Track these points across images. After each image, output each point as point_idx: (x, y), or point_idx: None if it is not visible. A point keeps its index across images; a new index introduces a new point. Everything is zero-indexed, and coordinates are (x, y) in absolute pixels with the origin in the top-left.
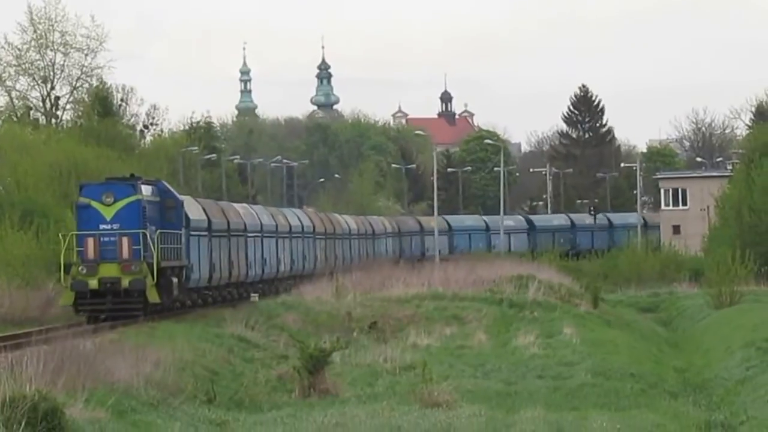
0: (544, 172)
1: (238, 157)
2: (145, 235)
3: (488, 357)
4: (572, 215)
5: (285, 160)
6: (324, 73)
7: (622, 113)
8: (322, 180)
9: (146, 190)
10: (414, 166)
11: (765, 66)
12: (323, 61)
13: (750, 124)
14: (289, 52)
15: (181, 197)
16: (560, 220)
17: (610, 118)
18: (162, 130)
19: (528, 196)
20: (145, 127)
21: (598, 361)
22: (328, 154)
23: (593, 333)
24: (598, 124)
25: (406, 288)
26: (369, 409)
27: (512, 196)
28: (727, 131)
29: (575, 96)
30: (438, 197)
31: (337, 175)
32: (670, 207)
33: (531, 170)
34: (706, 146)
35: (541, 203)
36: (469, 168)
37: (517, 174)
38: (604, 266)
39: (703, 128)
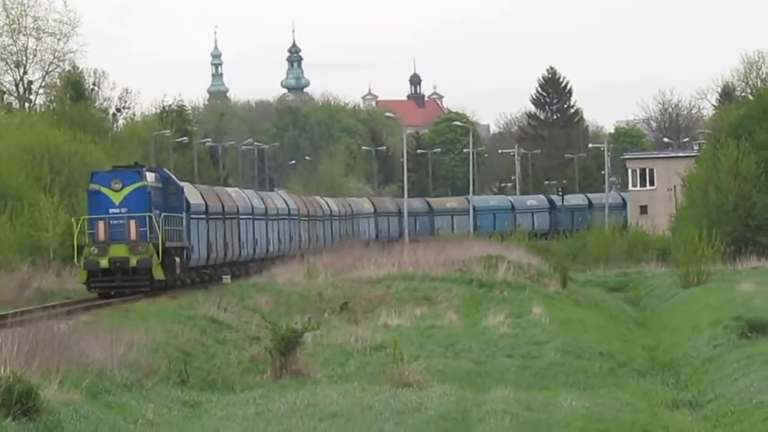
0: (512, 153)
1: (209, 140)
2: (150, 218)
3: (458, 337)
4: (590, 195)
5: (256, 143)
6: (294, 57)
7: (590, 95)
8: (292, 162)
9: (150, 176)
10: (384, 148)
11: (731, 47)
12: (294, 44)
13: (716, 104)
14: (259, 36)
15: (182, 183)
16: (578, 199)
17: (577, 100)
18: (134, 114)
19: (497, 178)
20: (118, 110)
21: (567, 340)
22: (298, 136)
23: (562, 312)
24: (565, 106)
25: (377, 269)
26: (340, 390)
27: (481, 177)
28: (693, 112)
29: (543, 78)
30: (408, 179)
31: (307, 157)
32: (638, 187)
33: (500, 151)
34: (672, 127)
35: (509, 184)
36: (439, 149)
37: (486, 155)
38: (572, 246)
39: (670, 109)
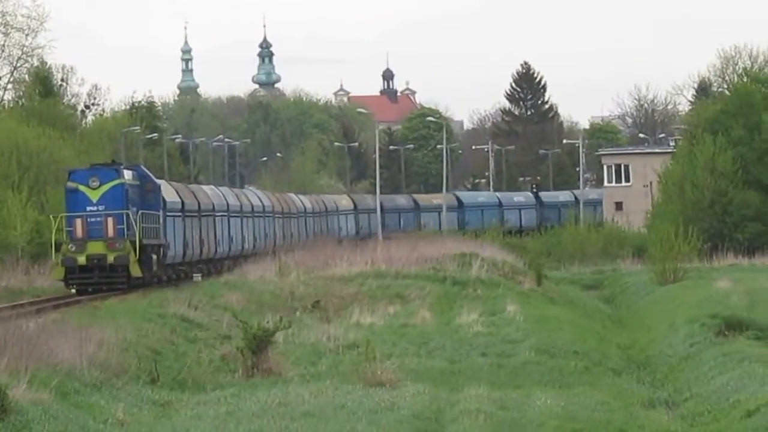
0: (486, 150)
1: (179, 136)
2: (128, 215)
3: (432, 335)
4: (575, 191)
5: (227, 139)
6: (266, 52)
7: (565, 90)
8: (264, 159)
9: (128, 174)
10: (356, 144)
11: (707, 42)
12: (265, 39)
13: (692, 100)
14: (230, 31)
15: (158, 181)
16: (566, 196)
17: (552, 95)
18: (103, 110)
19: (470, 174)
20: (87, 107)
21: (541, 338)
22: (269, 132)
23: (537, 310)
24: (540, 101)
25: (350, 266)
26: (312, 389)
27: (455, 174)
28: (669, 107)
29: (517, 73)
30: (380, 175)
31: (279, 154)
32: (613, 183)
33: (474, 147)
34: (648, 122)
35: (483, 181)
36: (412, 146)
37: (460, 152)
38: (547, 243)
39: (646, 104)
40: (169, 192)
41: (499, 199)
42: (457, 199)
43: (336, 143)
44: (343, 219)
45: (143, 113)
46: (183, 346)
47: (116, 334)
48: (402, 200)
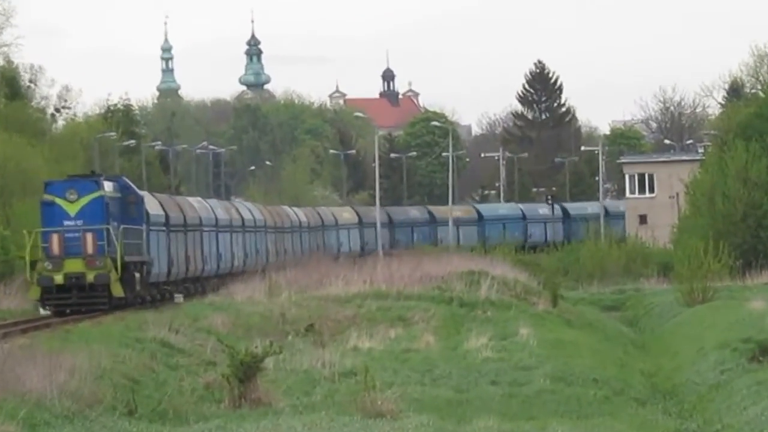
0: (496, 157)
1: (159, 143)
2: (108, 230)
3: (437, 361)
4: (604, 203)
5: (211, 146)
6: (254, 50)
7: (583, 92)
8: (252, 168)
9: (108, 186)
10: (353, 151)
11: (739, 38)
12: (253, 36)
13: (723, 102)
14: (215, 27)
15: (141, 193)
16: (594, 207)
17: (569, 98)
18: (75, 114)
19: (479, 184)
20: (57, 110)
21: (557, 365)
22: (258, 139)
23: (552, 334)
24: (555, 104)
25: (346, 286)
26: (306, 420)
27: (462, 184)
28: (697, 110)
29: (530, 73)
30: (380, 186)
31: (268, 162)
32: (636, 194)
33: (482, 155)
34: (674, 127)
35: (493, 192)
36: (414, 153)
37: (467, 159)
38: (563, 260)
39: (672, 107)
40: (152, 204)
41: (522, 211)
42: (477, 211)
43: (331, 150)
44: (344, 234)
45: (119, 117)
46: (163, 374)
47: (90, 361)
48: (415, 213)
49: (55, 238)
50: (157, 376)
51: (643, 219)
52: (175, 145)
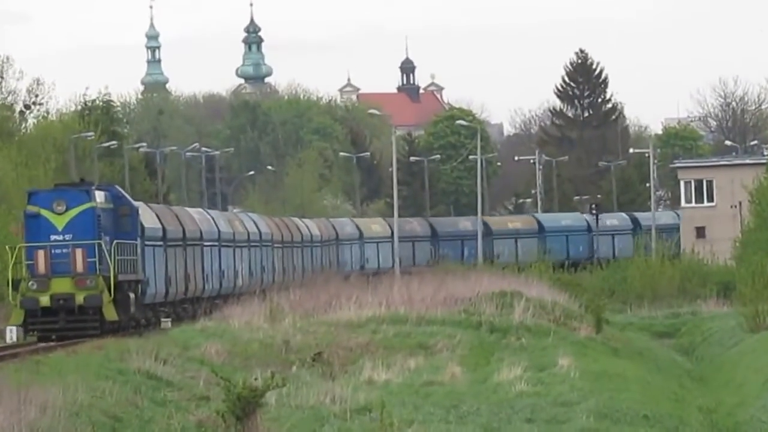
0: (532, 161)
1: (144, 144)
2: (100, 246)
3: (463, 396)
4: (677, 211)
5: (204, 148)
6: (253, 38)
7: (631, 86)
8: (251, 173)
9: (99, 196)
10: (368, 154)
11: None
12: (252, 22)
13: None
14: (208, 12)
15: (136, 204)
16: (668, 218)
17: (615, 92)
18: (48, 112)
19: (513, 192)
20: (27, 107)
21: (602, 400)
22: (258, 140)
23: (596, 364)
24: (600, 100)
25: (359, 309)
26: None
27: (492, 192)
28: (763, 106)
29: (571, 64)
30: (398, 194)
31: (270, 167)
32: (693, 204)
33: (516, 158)
34: (737, 126)
35: (529, 200)
36: (438, 156)
37: (499, 164)
38: (609, 280)
39: (734, 103)
40: (148, 216)
41: (588, 222)
42: (538, 222)
43: (342, 153)
44: (372, 248)
45: (98, 115)
46: (149, 410)
47: (64, 396)
48: (467, 224)
49: (41, 254)
50: (141, 412)
51: (700, 232)
52: (162, 146)
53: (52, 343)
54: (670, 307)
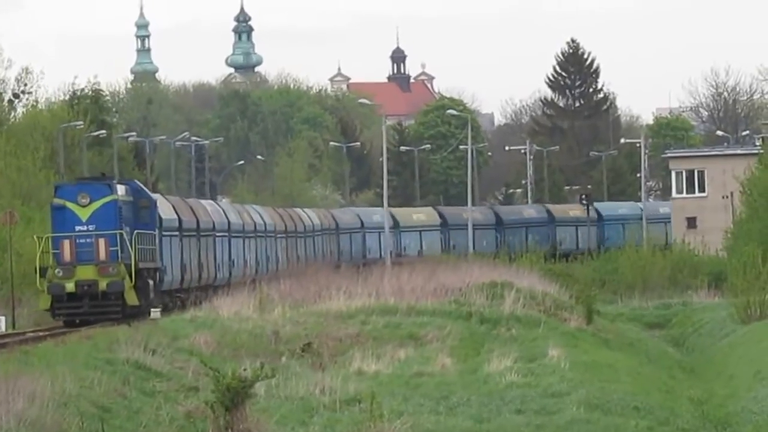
0: (523, 151)
1: (133, 134)
2: (122, 235)
3: (453, 387)
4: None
5: (193, 138)
6: (243, 27)
7: (623, 76)
8: (240, 163)
9: (121, 190)
10: (357, 144)
11: None
12: (242, 10)
13: None
14: (198, 1)
15: (154, 196)
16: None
17: (607, 82)
18: (36, 101)
19: (503, 182)
20: (15, 96)
21: (593, 391)
22: (248, 129)
23: (587, 355)
24: (591, 90)
25: (349, 300)
26: None
27: (483, 182)
28: (755, 96)
29: (562, 54)
30: (388, 183)
31: (259, 157)
32: (684, 194)
33: (507, 148)
34: (728, 116)
35: (519, 190)
36: (428, 146)
37: (489, 153)
38: (599, 270)
39: (725, 93)
40: (165, 208)
41: (641, 210)
42: (596, 210)
43: (332, 143)
44: (412, 236)
45: (87, 104)
46: (138, 401)
47: (52, 386)
48: (531, 211)
49: (66, 243)
50: (130, 403)
51: (691, 222)
52: (151, 136)
53: (40, 333)
54: (661, 298)
